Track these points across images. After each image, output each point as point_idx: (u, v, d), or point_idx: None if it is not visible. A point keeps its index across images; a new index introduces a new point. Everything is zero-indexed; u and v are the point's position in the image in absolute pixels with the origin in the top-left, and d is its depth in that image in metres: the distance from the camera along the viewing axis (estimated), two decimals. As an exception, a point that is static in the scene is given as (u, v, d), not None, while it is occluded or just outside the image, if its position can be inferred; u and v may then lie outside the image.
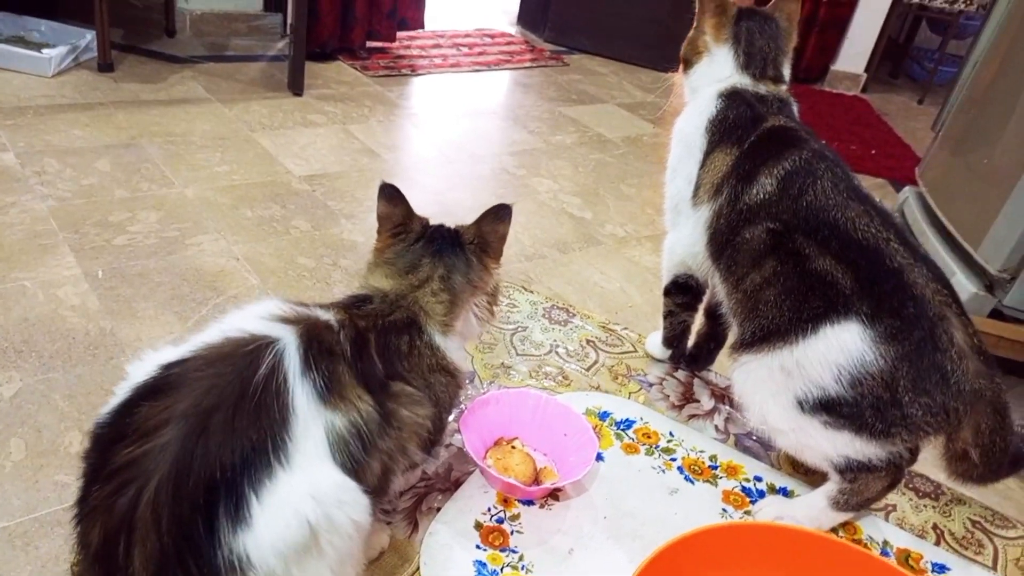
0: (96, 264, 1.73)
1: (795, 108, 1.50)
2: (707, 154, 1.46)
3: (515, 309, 1.84)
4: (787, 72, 1.53)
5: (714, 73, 1.52)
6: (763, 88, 1.48)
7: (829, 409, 1.22)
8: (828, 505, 1.33)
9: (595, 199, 2.57)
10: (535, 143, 2.91)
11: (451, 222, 2.25)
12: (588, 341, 1.77)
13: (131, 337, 1.54)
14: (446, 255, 1.07)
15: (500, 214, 1.10)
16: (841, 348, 1.19)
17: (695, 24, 1.56)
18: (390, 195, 1.10)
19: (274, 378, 0.85)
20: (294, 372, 0.87)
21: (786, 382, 1.25)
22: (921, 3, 4.05)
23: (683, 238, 1.52)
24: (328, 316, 0.97)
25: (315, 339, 0.91)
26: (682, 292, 1.62)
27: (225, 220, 2.01)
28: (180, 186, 2.12)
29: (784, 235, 1.27)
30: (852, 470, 1.27)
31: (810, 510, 1.34)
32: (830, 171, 1.31)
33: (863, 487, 1.30)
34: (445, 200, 2.36)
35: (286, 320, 0.93)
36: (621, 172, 2.80)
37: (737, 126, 1.42)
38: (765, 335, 1.28)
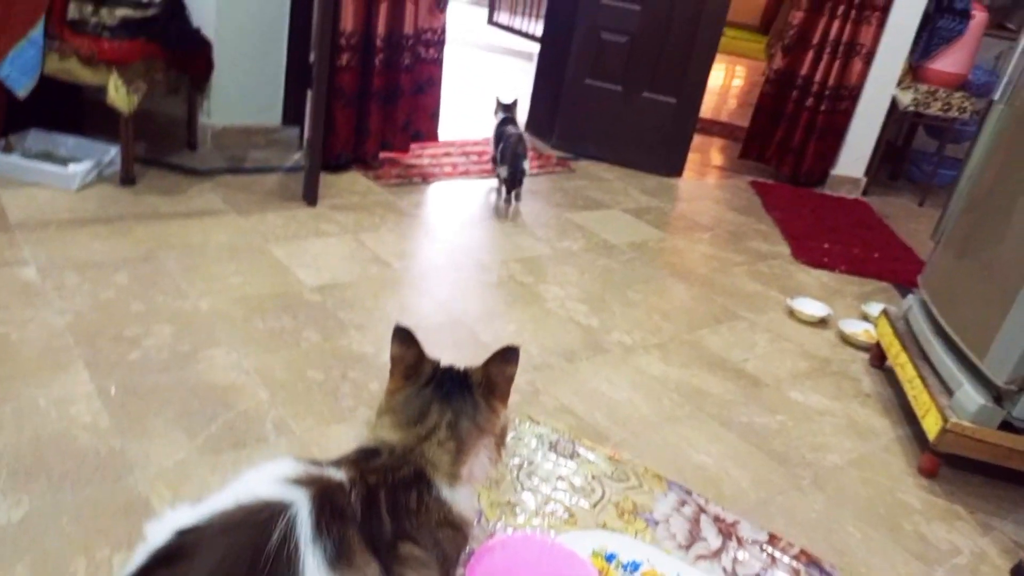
0: (109, 380, 1.76)
1: None
2: None
3: (520, 442, 1.81)
4: None
5: None
6: None
7: None
8: None
9: (601, 306, 2.60)
10: (542, 249, 2.97)
11: (459, 331, 2.28)
12: (594, 476, 1.73)
13: (140, 456, 1.55)
14: (454, 399, 1.09)
15: (508, 356, 1.13)
16: None
17: None
18: (403, 338, 1.13)
19: (285, 547, 0.87)
20: (305, 539, 0.88)
21: None
22: (917, 111, 4.19)
23: None
24: (340, 475, 0.98)
25: (327, 503, 0.93)
26: None
27: (237, 332, 2.05)
28: (194, 298, 2.17)
29: None
30: None
31: None
32: None
33: None
34: (452, 309, 2.40)
35: (299, 482, 0.94)
36: (627, 278, 2.85)
37: None
38: None
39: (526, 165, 3.24)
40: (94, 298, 2.07)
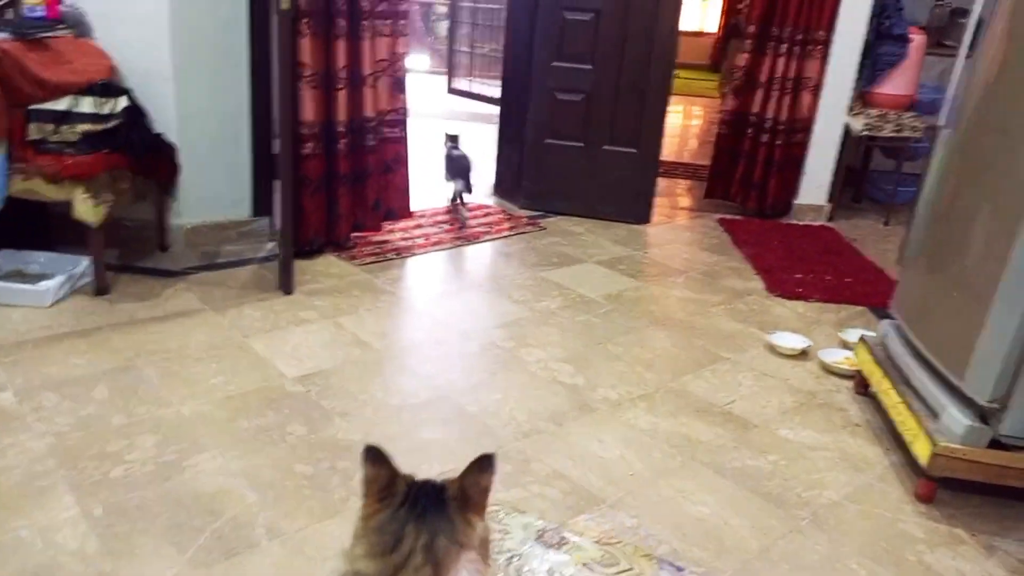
0: (94, 500, 1.74)
1: None
2: None
3: (508, 535, 1.75)
4: None
5: None
6: None
7: None
8: None
9: (585, 363, 2.61)
10: (521, 312, 2.99)
11: (444, 406, 2.27)
12: (584, 563, 1.69)
13: (130, 577, 1.53)
14: (430, 518, 1.06)
15: (483, 465, 1.10)
16: None
17: None
18: (374, 458, 1.10)
19: None
20: None
21: None
22: (870, 135, 4.30)
23: None
24: None
25: None
26: None
27: (221, 435, 2.03)
28: (176, 404, 2.15)
29: None
30: None
31: None
32: None
33: None
34: (437, 384, 2.40)
35: None
36: (607, 331, 2.87)
37: None
38: None
39: (472, 177, 4.16)
40: (74, 416, 2.05)
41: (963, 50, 2.32)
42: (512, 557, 1.69)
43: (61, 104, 2.62)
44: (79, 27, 2.91)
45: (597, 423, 2.25)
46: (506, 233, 3.90)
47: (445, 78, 8.22)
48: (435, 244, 3.68)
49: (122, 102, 2.75)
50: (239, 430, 2.06)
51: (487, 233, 3.88)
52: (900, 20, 4.26)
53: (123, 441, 1.96)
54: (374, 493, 1.09)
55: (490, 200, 4.48)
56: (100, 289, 2.78)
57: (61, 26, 2.82)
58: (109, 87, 2.73)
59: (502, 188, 4.51)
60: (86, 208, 2.62)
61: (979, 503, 2.00)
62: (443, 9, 9.64)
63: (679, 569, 1.69)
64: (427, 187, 4.53)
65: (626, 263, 3.61)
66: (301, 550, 1.65)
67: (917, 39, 4.28)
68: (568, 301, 3.12)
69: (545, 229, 4.02)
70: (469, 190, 4.14)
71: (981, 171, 2.07)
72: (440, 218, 4.06)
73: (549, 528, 1.78)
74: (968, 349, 1.93)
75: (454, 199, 4.15)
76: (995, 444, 1.90)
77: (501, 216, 4.16)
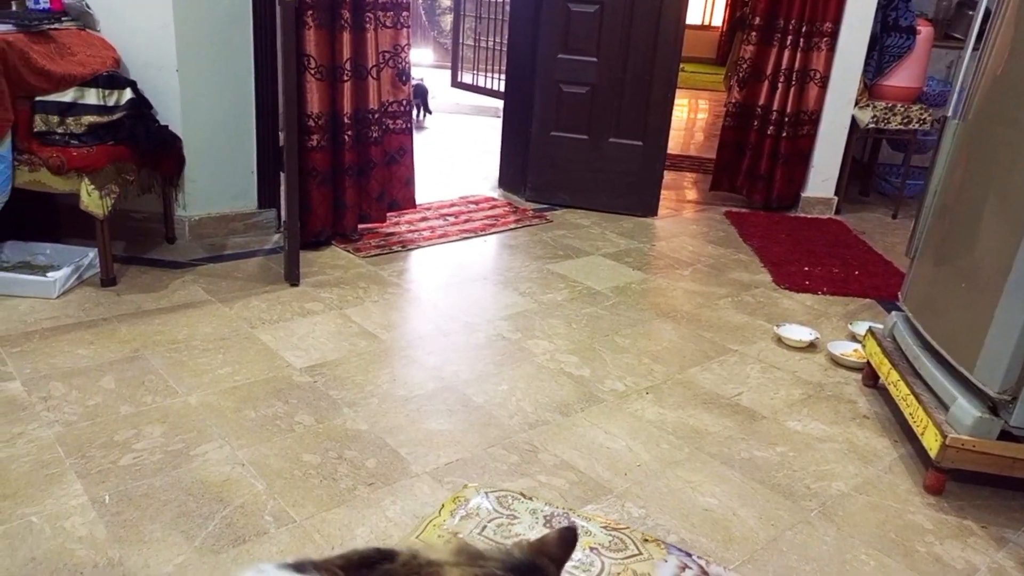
0: (102, 489, 1.74)
1: None
2: None
3: (516, 520, 1.75)
4: None
5: None
6: None
7: None
8: None
9: (592, 355, 2.60)
10: (527, 304, 2.98)
11: (451, 397, 2.27)
12: (592, 548, 1.68)
13: (139, 565, 1.53)
14: None
15: (567, 540, 1.02)
16: None
17: None
18: None
19: None
20: None
21: None
22: (877, 128, 4.28)
23: None
24: None
25: None
26: None
27: (229, 425, 2.03)
28: (183, 394, 2.16)
29: None
30: None
31: None
32: None
33: None
34: (443, 375, 2.40)
35: None
36: (614, 324, 2.86)
37: None
38: None
39: (429, 100, 6.48)
40: (82, 406, 2.05)
41: (970, 42, 2.29)
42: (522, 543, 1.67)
43: (66, 96, 2.62)
44: (83, 19, 2.91)
45: (604, 414, 2.25)
46: (512, 226, 3.89)
47: (449, 72, 8.21)
48: (441, 236, 3.67)
49: (127, 94, 2.75)
50: (246, 419, 2.06)
51: (493, 226, 3.87)
52: (907, 12, 4.23)
53: (131, 430, 1.97)
54: None
55: (495, 193, 4.47)
56: (107, 280, 2.78)
57: (66, 18, 2.83)
58: (114, 79, 2.73)
59: (507, 181, 4.50)
60: (92, 200, 2.62)
61: (988, 495, 1.99)
62: (448, 3, 9.61)
63: (688, 554, 1.69)
64: (431, 180, 4.53)
65: (633, 256, 3.60)
66: (310, 537, 1.65)
67: (924, 31, 4.26)
68: (575, 293, 3.12)
69: (551, 222, 4.01)
70: (427, 108, 6.44)
71: (989, 163, 2.05)
72: (445, 211, 4.05)
73: (557, 513, 1.78)
74: (978, 340, 1.92)
75: (414, 108, 6.05)
76: (1005, 435, 1.89)
77: (507, 209, 4.15)
